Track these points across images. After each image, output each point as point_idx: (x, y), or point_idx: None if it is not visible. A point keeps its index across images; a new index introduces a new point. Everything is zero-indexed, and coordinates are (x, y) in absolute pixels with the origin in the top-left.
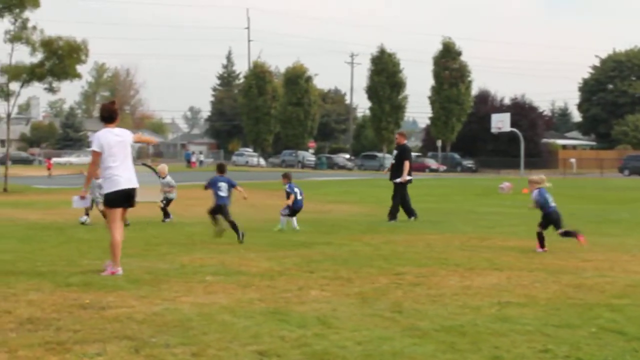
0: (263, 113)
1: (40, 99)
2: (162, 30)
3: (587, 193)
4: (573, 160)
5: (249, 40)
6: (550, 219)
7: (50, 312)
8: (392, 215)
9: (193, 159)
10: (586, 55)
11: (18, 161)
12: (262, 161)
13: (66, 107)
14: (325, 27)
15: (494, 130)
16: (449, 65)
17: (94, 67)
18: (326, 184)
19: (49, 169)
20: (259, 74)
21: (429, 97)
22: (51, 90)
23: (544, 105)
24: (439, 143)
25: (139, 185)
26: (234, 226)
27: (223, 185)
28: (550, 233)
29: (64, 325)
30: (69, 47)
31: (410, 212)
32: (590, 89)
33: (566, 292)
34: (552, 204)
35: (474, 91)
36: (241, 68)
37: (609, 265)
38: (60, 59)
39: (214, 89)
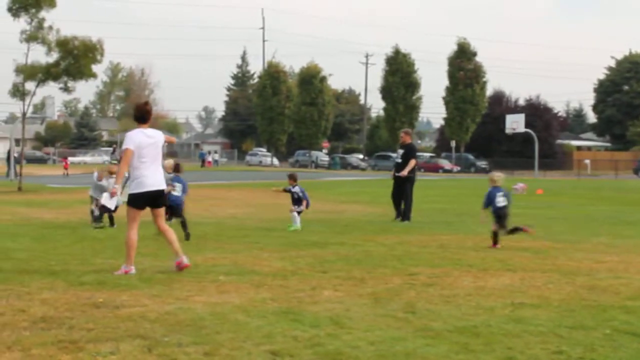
0: (277, 113)
1: (55, 99)
2: (177, 30)
3: (602, 195)
4: (588, 161)
5: (264, 40)
6: (500, 218)
7: (63, 311)
8: (406, 215)
9: (208, 158)
10: (602, 56)
11: (33, 160)
12: (275, 161)
13: (81, 106)
14: (340, 27)
15: (508, 131)
16: (463, 66)
17: (108, 66)
18: (340, 184)
19: (65, 168)
20: (273, 73)
21: (444, 98)
22: (66, 89)
23: (558, 106)
24: (453, 144)
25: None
26: (183, 225)
27: (178, 186)
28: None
29: (77, 324)
30: (84, 46)
31: (399, 212)
32: (606, 90)
33: (580, 293)
34: (503, 204)
35: (489, 92)
36: (256, 68)
37: (623, 266)
38: (75, 58)
39: (228, 89)
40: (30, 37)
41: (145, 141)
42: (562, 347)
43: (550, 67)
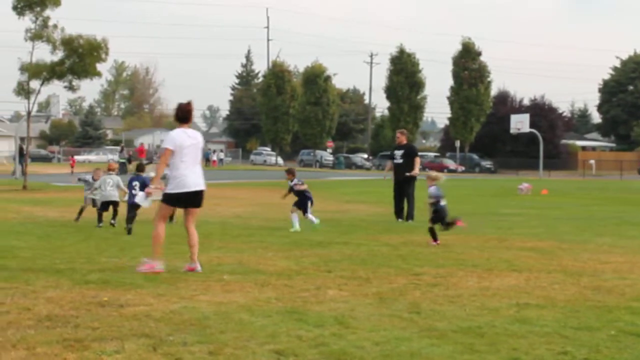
0: (282, 112)
1: (60, 97)
2: (181, 29)
3: (607, 195)
4: (592, 161)
5: (269, 40)
6: (439, 215)
7: (68, 310)
8: (410, 215)
9: (213, 157)
10: (606, 56)
11: (37, 159)
12: (280, 160)
13: (85, 105)
14: (344, 26)
15: (513, 131)
16: (468, 66)
17: (113, 65)
18: (344, 184)
19: (72, 166)
20: (278, 73)
21: (448, 98)
22: (71, 88)
23: (563, 106)
24: (458, 143)
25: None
26: (130, 219)
27: (137, 185)
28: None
29: (82, 322)
30: (89, 45)
31: (400, 214)
32: (610, 90)
33: (585, 294)
34: (444, 203)
35: (493, 92)
36: (260, 67)
37: (628, 267)
38: (80, 57)
39: (233, 88)
40: (35, 36)
41: (187, 141)
42: (567, 348)
43: (555, 67)
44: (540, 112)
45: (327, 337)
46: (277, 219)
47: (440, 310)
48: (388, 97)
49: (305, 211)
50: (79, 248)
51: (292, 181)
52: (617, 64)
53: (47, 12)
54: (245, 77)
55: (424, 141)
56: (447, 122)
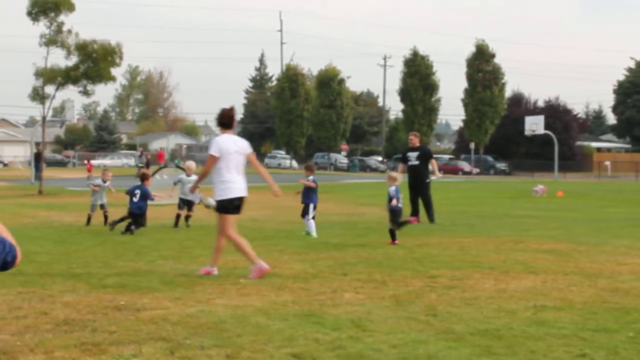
0: (295, 115)
1: (74, 102)
2: (195, 32)
3: (623, 197)
4: (608, 163)
5: (282, 43)
6: (395, 215)
7: (85, 314)
8: (431, 216)
9: None
10: (621, 58)
11: (53, 163)
12: (294, 163)
13: (100, 109)
14: (358, 29)
15: (527, 132)
16: (482, 68)
17: (127, 69)
18: (359, 187)
19: (89, 170)
20: (291, 76)
21: (462, 100)
22: (86, 93)
23: (578, 107)
24: (472, 145)
25: (167, 187)
26: (137, 224)
27: (138, 194)
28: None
29: (100, 326)
30: (103, 50)
31: (416, 213)
32: (625, 91)
33: (602, 296)
34: (401, 204)
35: (508, 93)
36: (274, 70)
37: None
38: (94, 62)
39: (247, 92)
40: (50, 41)
41: (232, 147)
42: (585, 350)
43: (569, 69)
44: (555, 113)
45: (344, 340)
46: (292, 222)
47: (457, 313)
48: (402, 100)
49: (305, 213)
50: (95, 252)
51: (308, 177)
52: (632, 65)
53: (62, 17)
54: (259, 81)
55: (438, 143)
56: (461, 124)
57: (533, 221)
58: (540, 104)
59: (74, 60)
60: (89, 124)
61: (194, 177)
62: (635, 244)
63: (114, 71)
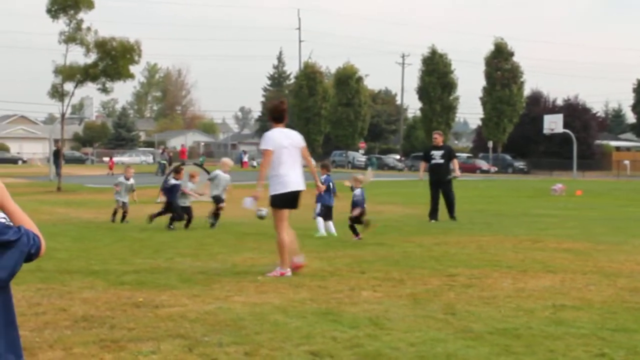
0: (313, 113)
1: (93, 99)
2: (213, 30)
3: None
4: (627, 162)
5: (300, 41)
6: (360, 215)
7: (104, 310)
8: (453, 214)
9: (244, 158)
10: None
11: (71, 160)
12: (312, 161)
13: (118, 107)
14: (376, 27)
15: (546, 131)
16: (501, 66)
17: (145, 67)
18: (376, 185)
19: (110, 167)
20: (309, 74)
21: (481, 98)
22: (104, 90)
23: (597, 106)
24: (490, 144)
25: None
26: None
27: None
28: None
29: (118, 323)
30: (122, 47)
31: (435, 214)
32: None
33: (622, 295)
34: (365, 205)
35: (526, 92)
36: (292, 68)
37: None
38: (113, 59)
39: (265, 89)
40: (69, 38)
41: (285, 141)
42: (604, 350)
43: (589, 67)
44: (574, 112)
45: (362, 338)
46: (309, 220)
47: (476, 312)
48: (420, 98)
49: (319, 215)
50: (113, 249)
51: (322, 177)
52: None
53: (81, 14)
54: (277, 79)
55: (456, 142)
56: (479, 122)
57: (551, 220)
58: (559, 102)
59: (93, 57)
60: (108, 121)
61: (227, 176)
62: None
63: (133, 69)
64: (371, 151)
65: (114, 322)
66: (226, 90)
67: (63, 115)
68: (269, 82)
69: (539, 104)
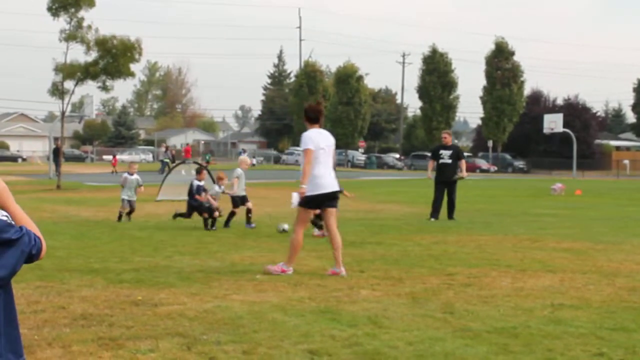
0: None
1: (93, 97)
2: (213, 29)
3: None
4: (627, 161)
5: (301, 40)
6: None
7: (103, 308)
8: (453, 214)
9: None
10: None
11: (71, 158)
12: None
13: (118, 105)
14: (376, 26)
15: (546, 130)
16: (501, 65)
17: (146, 65)
18: (376, 184)
19: (114, 165)
20: (310, 73)
21: (481, 97)
22: (105, 88)
23: (597, 106)
24: (490, 143)
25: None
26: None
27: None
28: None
29: (117, 321)
30: (123, 46)
31: (436, 213)
32: None
33: (620, 294)
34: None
35: (527, 91)
36: (292, 67)
37: None
38: (114, 57)
39: (265, 88)
40: (70, 37)
41: (322, 142)
42: (603, 349)
43: (589, 67)
44: (574, 111)
45: (361, 337)
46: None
47: (474, 311)
48: (420, 97)
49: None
50: (112, 247)
51: None
52: None
53: (82, 12)
54: (278, 77)
55: (456, 141)
56: (479, 122)
57: (551, 219)
58: (560, 102)
59: (93, 55)
60: (108, 119)
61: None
62: None
63: (133, 67)
64: (371, 150)
65: (113, 320)
66: (226, 89)
67: (63, 113)
68: (269, 80)
69: (539, 104)
